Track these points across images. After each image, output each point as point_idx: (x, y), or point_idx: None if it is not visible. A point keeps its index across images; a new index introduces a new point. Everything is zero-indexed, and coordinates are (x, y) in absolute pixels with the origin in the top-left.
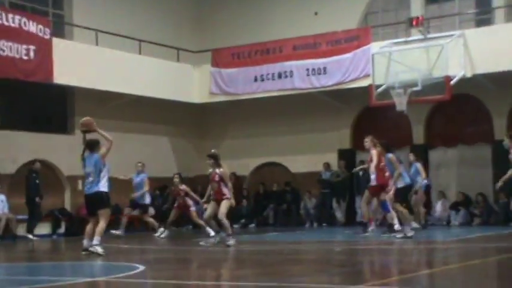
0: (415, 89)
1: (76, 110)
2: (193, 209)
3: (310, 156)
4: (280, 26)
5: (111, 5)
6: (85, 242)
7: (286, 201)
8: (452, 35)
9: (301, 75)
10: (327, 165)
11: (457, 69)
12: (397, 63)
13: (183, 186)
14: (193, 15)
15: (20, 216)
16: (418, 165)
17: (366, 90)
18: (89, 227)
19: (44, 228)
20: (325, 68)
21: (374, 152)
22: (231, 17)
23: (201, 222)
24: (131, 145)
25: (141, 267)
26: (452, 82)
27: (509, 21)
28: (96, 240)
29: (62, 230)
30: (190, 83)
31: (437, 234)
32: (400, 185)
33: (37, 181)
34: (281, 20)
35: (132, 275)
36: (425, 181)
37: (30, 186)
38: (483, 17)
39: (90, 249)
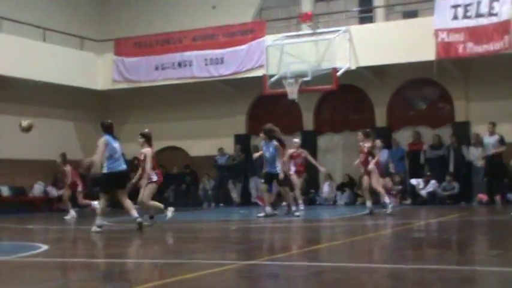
0: (305, 79)
1: None
2: (79, 190)
3: (208, 141)
4: (180, 17)
5: None
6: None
7: (185, 183)
8: (338, 31)
9: (199, 65)
10: (222, 151)
11: (343, 61)
12: (289, 55)
13: (67, 167)
14: (97, 5)
15: None
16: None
17: (260, 80)
18: (103, 205)
19: None
20: (222, 58)
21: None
22: (134, 8)
23: (85, 202)
24: (37, 129)
25: (45, 247)
26: (338, 73)
27: (389, 20)
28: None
29: None
30: (93, 70)
31: (325, 213)
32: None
33: None
34: (181, 12)
35: (35, 254)
36: None
37: None
38: (366, 15)
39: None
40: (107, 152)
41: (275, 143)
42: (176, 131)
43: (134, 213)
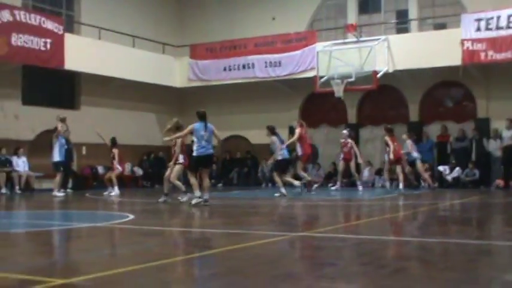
0: (349, 80)
1: (82, 90)
2: (117, 169)
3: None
4: (245, 27)
5: (111, 7)
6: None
7: (247, 166)
8: (379, 39)
9: (260, 67)
10: None
11: (382, 65)
12: (336, 59)
13: (114, 150)
14: (176, 17)
15: (37, 174)
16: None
17: (312, 80)
18: (195, 180)
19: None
20: (279, 62)
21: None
22: (206, 19)
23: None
24: (126, 118)
25: (131, 216)
26: (378, 75)
27: (422, 31)
28: (207, 195)
29: (69, 185)
30: (172, 71)
31: (364, 194)
32: (281, 157)
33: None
34: (246, 22)
35: (124, 222)
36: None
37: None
38: (402, 26)
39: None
40: (194, 137)
41: (272, 137)
42: (240, 122)
43: (206, 194)
